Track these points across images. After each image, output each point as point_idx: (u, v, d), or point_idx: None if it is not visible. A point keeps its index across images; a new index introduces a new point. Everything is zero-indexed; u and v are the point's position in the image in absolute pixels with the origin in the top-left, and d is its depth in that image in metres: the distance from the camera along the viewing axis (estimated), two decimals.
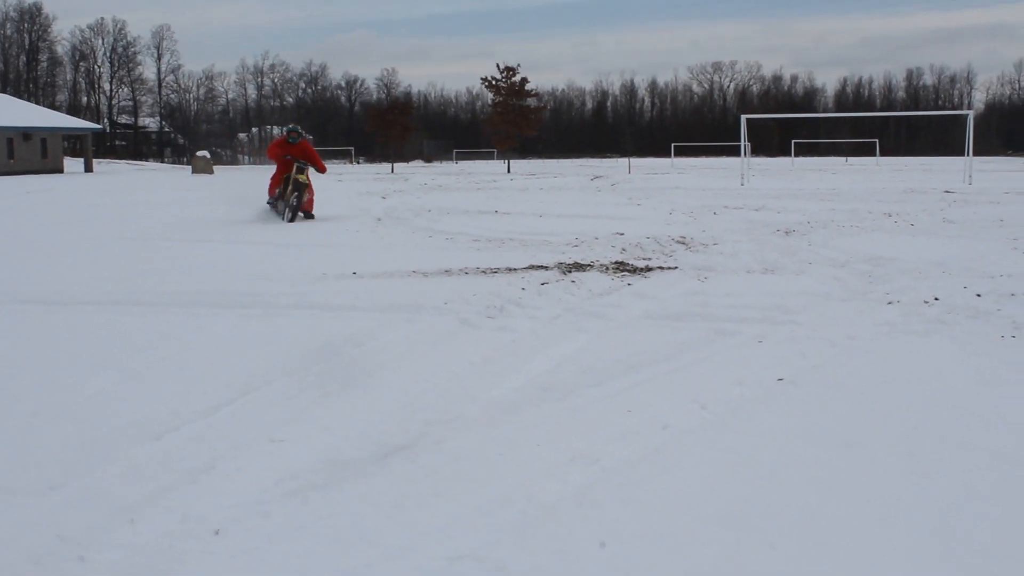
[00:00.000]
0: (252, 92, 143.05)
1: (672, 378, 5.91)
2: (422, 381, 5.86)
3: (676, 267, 11.07)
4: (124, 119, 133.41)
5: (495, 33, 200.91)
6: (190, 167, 67.58)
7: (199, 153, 67.47)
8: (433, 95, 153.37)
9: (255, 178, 31.74)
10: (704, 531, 3.60)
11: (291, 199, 18.64)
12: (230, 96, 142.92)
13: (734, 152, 58.04)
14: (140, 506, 3.87)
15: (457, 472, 4.27)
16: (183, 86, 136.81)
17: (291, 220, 18.42)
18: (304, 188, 18.85)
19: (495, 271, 10.68)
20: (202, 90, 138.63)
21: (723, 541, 3.52)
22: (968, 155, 38.27)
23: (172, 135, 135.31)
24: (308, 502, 3.91)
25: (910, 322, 7.66)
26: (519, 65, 73.12)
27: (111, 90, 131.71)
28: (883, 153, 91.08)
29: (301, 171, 18.72)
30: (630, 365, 6.21)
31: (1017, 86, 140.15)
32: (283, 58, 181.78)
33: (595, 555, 3.42)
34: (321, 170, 19.69)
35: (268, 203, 19.34)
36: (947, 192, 27.89)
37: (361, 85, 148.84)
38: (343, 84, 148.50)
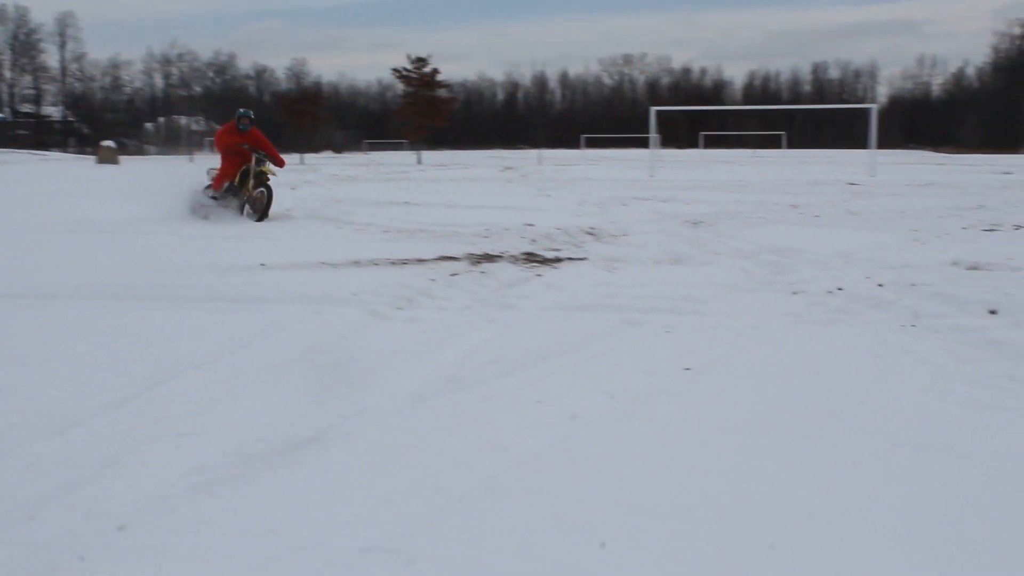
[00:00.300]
0: (159, 81, 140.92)
1: (581, 368, 5.95)
2: (331, 373, 5.83)
3: (585, 258, 11.14)
4: (27, 108, 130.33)
5: (406, 24, 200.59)
6: (95, 157, 66.30)
7: (104, 143, 66.23)
8: (343, 85, 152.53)
9: (163, 169, 31.29)
10: (613, 519, 3.64)
11: (256, 196, 16.58)
12: (136, 85, 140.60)
13: (644, 144, 58.51)
14: (42, 502, 3.80)
15: (366, 464, 4.26)
16: (88, 74, 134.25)
17: (260, 219, 16.33)
18: (266, 182, 16.73)
19: (405, 262, 10.66)
20: (107, 79, 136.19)
21: (632, 529, 3.56)
22: (872, 148, 39.03)
23: (76, 124, 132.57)
24: (216, 495, 3.88)
25: (814, 312, 7.80)
26: (430, 56, 72.98)
27: (12, 78, 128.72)
28: (790, 145, 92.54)
29: (262, 163, 16.62)
30: (539, 355, 6.24)
31: (919, 81, 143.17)
32: (191, 47, 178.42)
33: (504, 545, 3.44)
34: (280, 163, 17.11)
35: (211, 197, 16.65)
36: (851, 184, 28.39)
37: (271, 75, 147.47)
38: (252, 74, 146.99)
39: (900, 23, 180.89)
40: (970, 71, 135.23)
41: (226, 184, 16.67)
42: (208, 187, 16.91)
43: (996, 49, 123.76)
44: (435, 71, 73.08)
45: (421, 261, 10.74)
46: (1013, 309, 7.71)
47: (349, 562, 3.30)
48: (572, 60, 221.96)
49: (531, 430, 4.72)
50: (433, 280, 9.30)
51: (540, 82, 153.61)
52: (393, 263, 10.60)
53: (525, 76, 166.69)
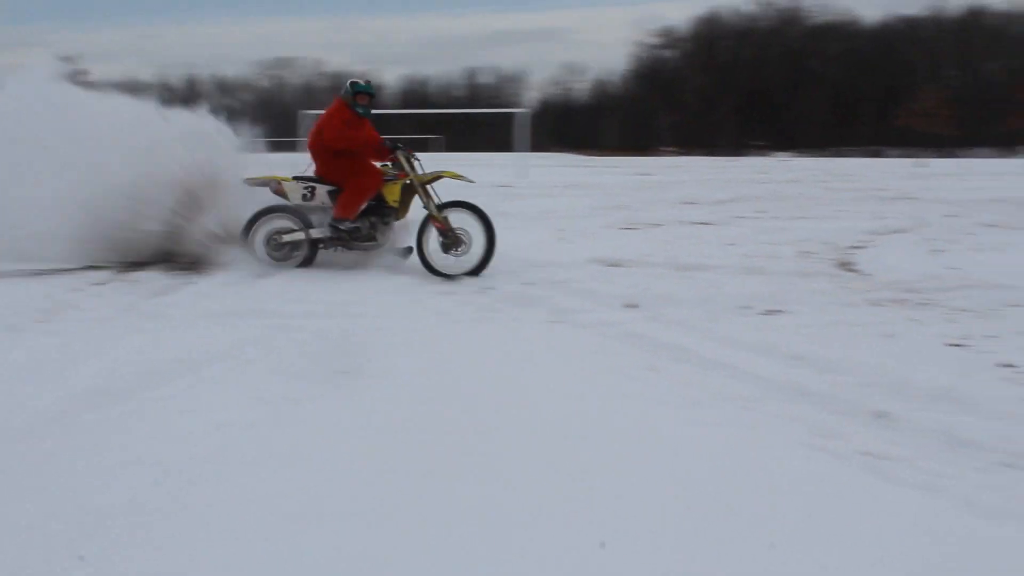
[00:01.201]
0: None
1: (233, 375, 5.87)
2: None
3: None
4: None
5: (50, 21, 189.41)
6: None
7: None
8: None
9: None
10: (263, 529, 3.63)
11: (448, 226, 10.42)
12: None
13: (300, 148, 58.21)
14: None
15: (0, 488, 4.04)
16: None
17: (478, 271, 10.01)
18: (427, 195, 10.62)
19: (46, 272, 10.11)
20: None
21: (283, 537, 3.57)
22: (523, 151, 40.41)
23: None
24: None
25: (464, 311, 8.02)
26: (79, 55, 69.87)
27: None
28: (448, 149, 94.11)
29: (409, 160, 10.63)
30: (189, 364, 6.09)
31: (565, 87, 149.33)
32: None
33: (153, 562, 3.37)
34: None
35: (341, 229, 10.14)
36: (503, 186, 29.26)
37: None
38: None
39: (545, 31, 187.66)
40: (612, 78, 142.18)
41: (363, 206, 10.35)
42: (272, 213, 10.52)
43: (634, 57, 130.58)
44: (83, 71, 70.10)
45: (65, 271, 10.22)
46: (649, 303, 8.22)
47: None
48: (225, 62, 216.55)
49: (181, 441, 4.62)
50: (77, 290, 8.89)
51: (192, 85, 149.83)
52: (33, 273, 10.03)
53: (177, 78, 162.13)
